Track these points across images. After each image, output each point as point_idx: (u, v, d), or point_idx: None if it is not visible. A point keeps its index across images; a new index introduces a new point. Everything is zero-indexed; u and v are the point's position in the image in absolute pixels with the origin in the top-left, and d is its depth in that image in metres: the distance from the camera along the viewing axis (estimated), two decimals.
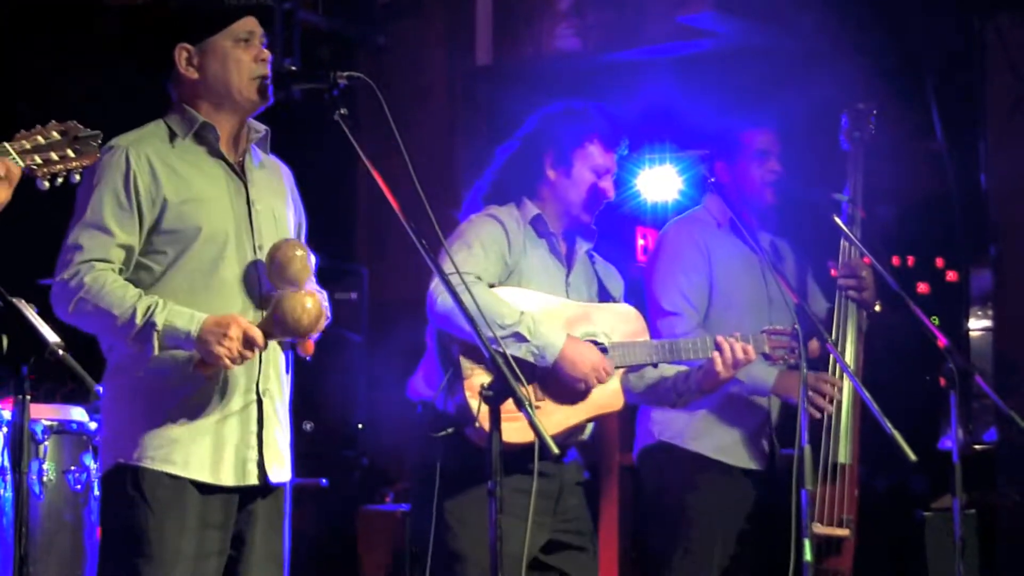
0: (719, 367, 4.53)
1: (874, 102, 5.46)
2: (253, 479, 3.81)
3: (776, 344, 4.67)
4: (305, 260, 3.77)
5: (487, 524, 3.42)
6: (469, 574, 4.32)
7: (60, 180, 3.27)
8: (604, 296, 4.73)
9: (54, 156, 3.24)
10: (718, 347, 4.54)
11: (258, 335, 3.66)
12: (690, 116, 6.08)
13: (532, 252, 4.57)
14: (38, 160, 3.22)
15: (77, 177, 3.29)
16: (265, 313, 3.75)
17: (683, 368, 4.67)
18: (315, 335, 3.84)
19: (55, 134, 3.26)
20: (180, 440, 3.75)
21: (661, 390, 4.70)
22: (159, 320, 3.64)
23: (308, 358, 3.93)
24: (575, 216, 4.63)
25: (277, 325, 3.69)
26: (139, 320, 3.65)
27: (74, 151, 3.27)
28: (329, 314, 3.99)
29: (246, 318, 3.73)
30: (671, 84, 7.24)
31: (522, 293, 4.46)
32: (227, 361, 3.63)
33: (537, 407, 4.34)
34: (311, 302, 3.70)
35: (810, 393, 4.96)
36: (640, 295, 5.16)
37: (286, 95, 3.94)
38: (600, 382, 4.43)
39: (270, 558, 3.89)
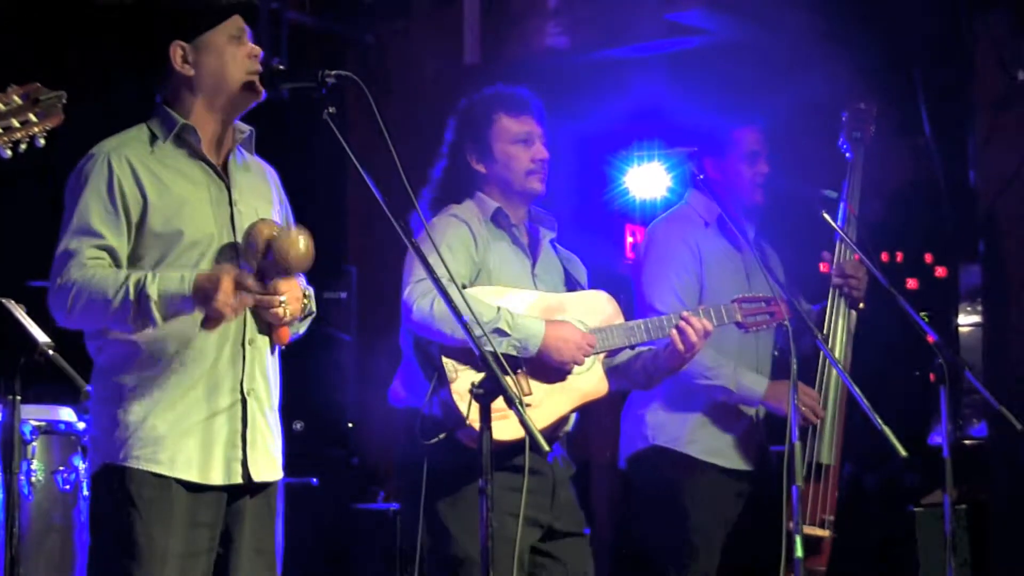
0: (679, 346, 4.50)
1: (874, 101, 5.45)
2: (237, 478, 3.81)
3: (748, 311, 4.68)
4: None
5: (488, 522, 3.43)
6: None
7: (23, 146, 3.17)
8: (571, 284, 4.72)
9: (15, 123, 3.14)
10: (678, 327, 4.52)
11: (249, 279, 3.66)
12: (679, 113, 6.08)
13: (496, 246, 4.56)
14: None
15: (42, 141, 3.19)
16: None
17: (647, 349, 4.66)
18: (297, 313, 3.84)
19: (16, 99, 3.16)
20: (165, 440, 3.74)
21: (632, 371, 4.69)
22: (152, 291, 3.64)
23: (282, 347, 3.93)
24: (522, 191, 4.59)
25: (269, 264, 3.69)
26: (133, 296, 3.64)
27: (36, 115, 3.17)
28: (315, 307, 3.99)
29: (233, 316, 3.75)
30: (660, 81, 7.24)
31: (494, 290, 4.46)
32: (227, 311, 3.64)
33: (528, 405, 4.33)
34: (301, 238, 3.71)
35: (803, 408, 4.98)
36: (628, 292, 5.16)
37: (274, 94, 3.93)
38: (585, 355, 4.43)
39: (260, 555, 3.89)
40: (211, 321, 3.67)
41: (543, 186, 4.60)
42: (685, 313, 4.54)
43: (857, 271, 5.22)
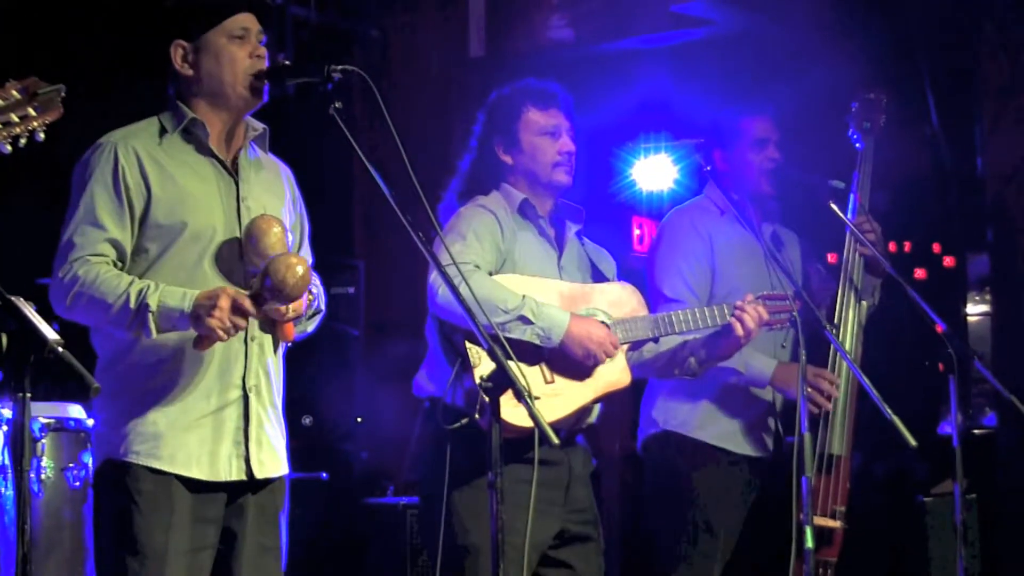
0: (738, 331, 4.57)
1: (883, 90, 5.43)
2: (240, 474, 3.81)
3: (773, 309, 4.69)
4: (281, 236, 3.74)
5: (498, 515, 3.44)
6: (482, 566, 4.31)
7: (23, 141, 3.16)
8: (598, 277, 4.74)
9: (14, 117, 3.13)
10: (739, 308, 4.58)
11: (247, 302, 3.64)
12: (685, 105, 6.08)
13: (522, 237, 4.58)
14: None
15: (41, 136, 3.18)
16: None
17: (690, 337, 4.68)
18: (300, 309, 3.83)
19: (14, 93, 3.15)
20: (166, 436, 3.75)
21: (679, 359, 4.74)
22: (152, 302, 3.64)
23: (288, 344, 3.93)
24: (548, 183, 4.62)
25: (266, 289, 3.66)
26: (133, 305, 3.64)
27: (35, 109, 3.16)
28: (324, 305, 4.00)
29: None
30: (665, 73, 7.24)
31: (519, 279, 4.47)
32: (220, 332, 3.62)
33: (538, 398, 4.32)
34: (299, 265, 3.66)
35: (809, 390, 4.97)
36: (638, 284, 5.15)
37: (280, 90, 3.92)
38: (608, 356, 4.44)
39: (265, 551, 3.88)
40: (204, 340, 3.67)
41: (569, 178, 4.63)
42: (738, 303, 4.61)
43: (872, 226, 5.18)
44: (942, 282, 7.36)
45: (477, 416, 4.23)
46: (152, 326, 3.65)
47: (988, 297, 7.09)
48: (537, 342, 4.37)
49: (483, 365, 4.27)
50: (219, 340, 3.66)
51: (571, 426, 4.50)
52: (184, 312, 3.64)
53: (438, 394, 4.40)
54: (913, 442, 4.33)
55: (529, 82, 4.69)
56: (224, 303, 3.61)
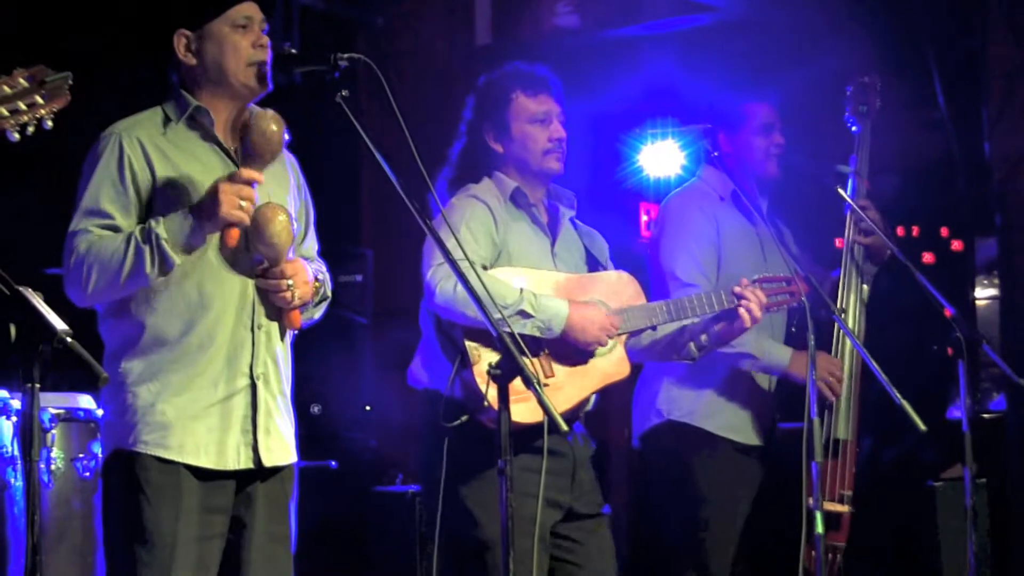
0: (746, 320, 4.56)
1: (878, 74, 5.43)
2: (248, 463, 3.81)
3: (770, 291, 4.68)
4: (286, 224, 3.75)
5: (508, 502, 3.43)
6: (500, 559, 4.31)
7: (31, 129, 3.16)
8: (592, 262, 4.71)
9: (22, 105, 3.13)
10: (740, 296, 4.56)
11: (239, 172, 3.67)
12: (692, 91, 6.06)
13: (515, 227, 4.55)
14: (4, 111, 3.11)
15: (49, 124, 3.18)
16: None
17: (688, 321, 4.67)
18: (307, 297, 3.84)
19: (22, 81, 3.14)
20: (173, 425, 3.75)
21: (678, 344, 4.71)
22: (160, 230, 3.64)
23: (295, 332, 3.93)
24: (539, 170, 4.58)
25: (247, 150, 3.71)
26: (142, 242, 3.64)
27: (42, 97, 3.15)
28: (330, 292, 4.00)
29: (238, 301, 3.77)
30: (672, 59, 7.23)
31: (516, 271, 4.45)
32: (236, 213, 3.64)
33: (546, 384, 4.32)
34: (274, 123, 3.72)
35: (827, 378, 4.95)
36: (644, 271, 5.15)
37: (287, 78, 3.93)
38: (610, 337, 4.43)
39: (273, 540, 3.88)
40: (227, 234, 3.67)
41: (561, 165, 4.59)
42: (737, 288, 4.58)
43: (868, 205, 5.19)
44: (950, 266, 7.36)
45: (486, 405, 4.23)
46: (170, 252, 3.65)
47: (996, 281, 7.09)
48: (538, 334, 4.36)
49: (482, 362, 4.27)
50: (240, 221, 3.66)
51: (570, 417, 4.49)
52: (192, 225, 3.65)
53: (433, 386, 4.39)
54: (923, 427, 4.34)
55: (518, 66, 4.65)
56: (224, 186, 3.64)
